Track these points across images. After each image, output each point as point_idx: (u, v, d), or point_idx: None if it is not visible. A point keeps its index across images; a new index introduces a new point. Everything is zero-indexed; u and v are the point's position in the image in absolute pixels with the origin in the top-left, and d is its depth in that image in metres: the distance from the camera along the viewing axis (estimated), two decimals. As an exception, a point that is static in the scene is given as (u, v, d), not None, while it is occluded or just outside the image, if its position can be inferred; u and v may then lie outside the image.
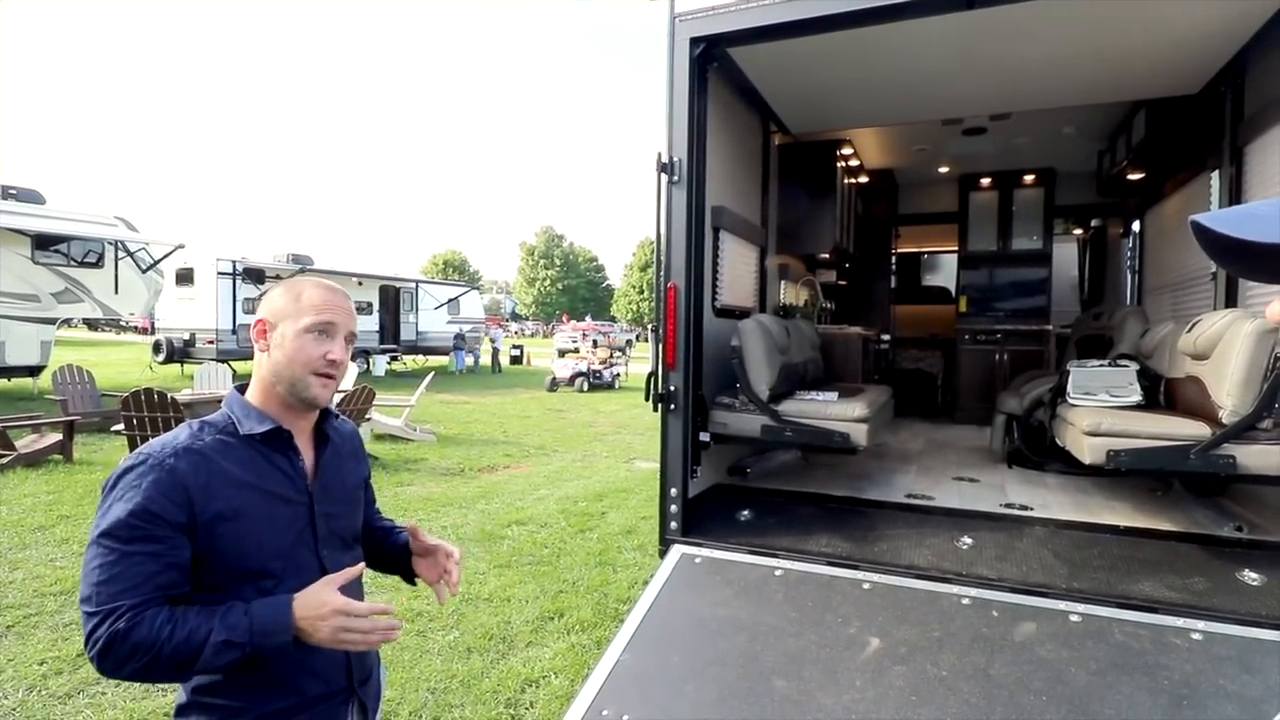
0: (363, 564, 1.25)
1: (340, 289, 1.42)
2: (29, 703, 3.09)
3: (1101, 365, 3.86)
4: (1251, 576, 2.73)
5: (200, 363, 15.07)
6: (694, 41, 3.31)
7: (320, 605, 1.19)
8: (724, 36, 3.34)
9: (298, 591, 1.25)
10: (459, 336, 23.85)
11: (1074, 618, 2.55)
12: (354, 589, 1.46)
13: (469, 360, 23.63)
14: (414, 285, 23.48)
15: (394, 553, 1.60)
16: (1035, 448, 4.49)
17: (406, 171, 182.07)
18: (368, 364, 19.68)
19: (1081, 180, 6.85)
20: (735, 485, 4.18)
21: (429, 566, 1.56)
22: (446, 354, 24.05)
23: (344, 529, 1.45)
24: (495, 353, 24.70)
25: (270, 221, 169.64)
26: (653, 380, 3.41)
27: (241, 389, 1.39)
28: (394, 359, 22.36)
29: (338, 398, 8.30)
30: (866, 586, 2.84)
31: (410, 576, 1.60)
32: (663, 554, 3.26)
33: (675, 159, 3.31)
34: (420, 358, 24.38)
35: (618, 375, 19.65)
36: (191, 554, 1.22)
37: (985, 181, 7.10)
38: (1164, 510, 3.62)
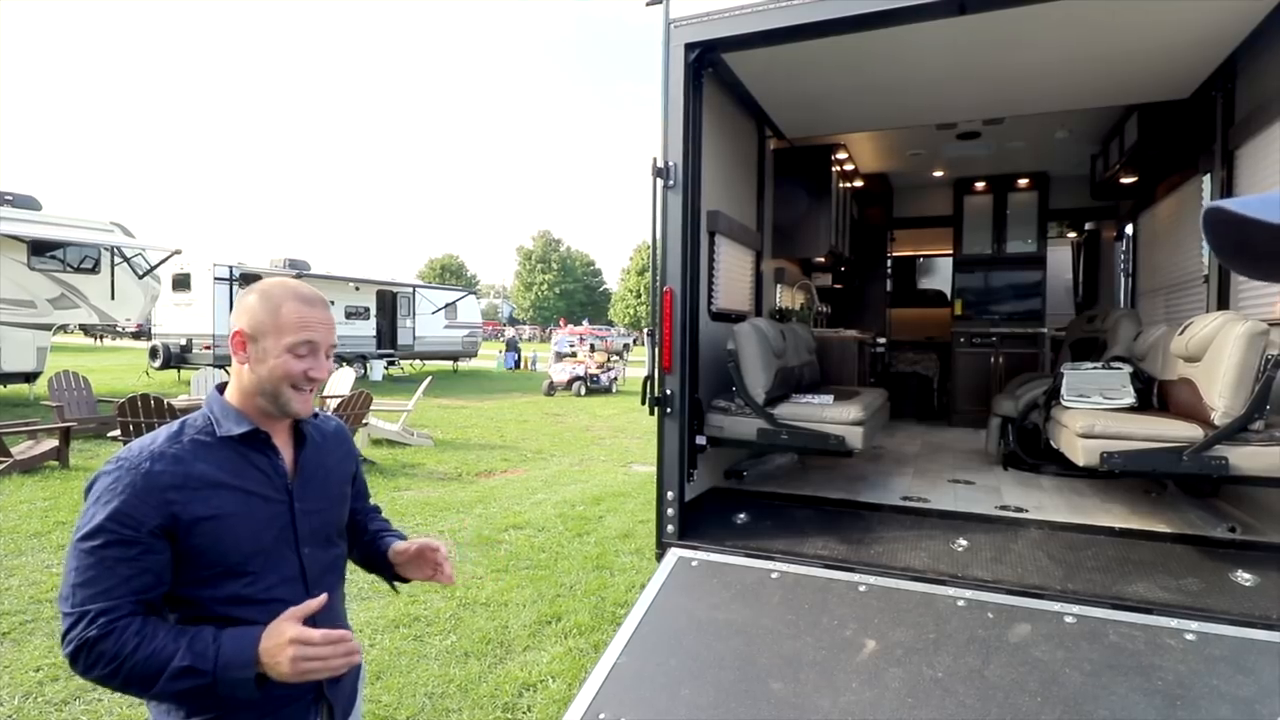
0: (325, 596, 1.28)
1: (319, 299, 1.39)
2: (25, 709, 3.09)
3: (1095, 368, 3.88)
4: (1245, 577, 2.75)
5: (197, 368, 15.08)
6: (689, 47, 3.33)
7: (279, 635, 1.20)
8: (718, 42, 3.36)
9: (277, 587, 1.30)
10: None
11: (1069, 619, 2.57)
12: (333, 586, 1.47)
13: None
14: (411, 290, 23.47)
15: (379, 557, 1.61)
16: (1030, 450, 4.51)
17: (403, 176, 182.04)
18: (365, 369, 19.65)
19: (1075, 184, 6.90)
20: (732, 488, 4.20)
21: (417, 567, 1.58)
22: (450, 359, 25.38)
23: (326, 525, 1.47)
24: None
25: (267, 226, 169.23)
26: (649, 384, 3.42)
27: (222, 388, 1.41)
28: (391, 364, 22.33)
29: (334, 403, 8.29)
30: (863, 589, 2.85)
31: (393, 581, 1.64)
32: (660, 557, 3.27)
33: (671, 164, 3.32)
34: (418, 363, 24.36)
35: (615, 379, 19.65)
36: (170, 555, 1.24)
37: (979, 185, 7.15)
38: (1158, 511, 3.64)
